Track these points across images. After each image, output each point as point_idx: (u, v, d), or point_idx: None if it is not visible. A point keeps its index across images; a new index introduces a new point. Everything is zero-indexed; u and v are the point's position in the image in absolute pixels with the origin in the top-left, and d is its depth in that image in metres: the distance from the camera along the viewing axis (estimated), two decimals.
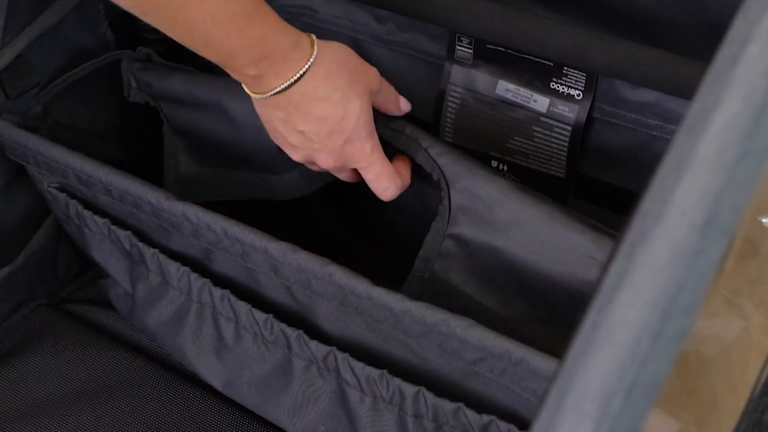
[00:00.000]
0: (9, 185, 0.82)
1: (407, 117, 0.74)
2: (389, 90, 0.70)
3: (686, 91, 0.66)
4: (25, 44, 0.78)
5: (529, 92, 0.83)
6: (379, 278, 0.67)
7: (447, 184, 0.66)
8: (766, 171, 0.30)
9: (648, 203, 0.29)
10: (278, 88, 0.62)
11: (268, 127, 0.68)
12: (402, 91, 0.80)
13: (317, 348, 0.66)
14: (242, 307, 0.70)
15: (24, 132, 0.76)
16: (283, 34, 0.60)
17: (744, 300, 0.61)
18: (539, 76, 0.81)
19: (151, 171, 0.87)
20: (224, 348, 0.74)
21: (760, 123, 0.29)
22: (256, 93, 0.64)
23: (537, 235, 0.63)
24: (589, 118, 0.81)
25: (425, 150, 0.68)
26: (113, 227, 0.76)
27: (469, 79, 0.85)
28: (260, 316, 0.69)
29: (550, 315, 0.66)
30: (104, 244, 0.79)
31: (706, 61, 0.65)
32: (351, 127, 0.65)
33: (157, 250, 0.74)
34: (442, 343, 0.59)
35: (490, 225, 0.65)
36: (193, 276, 0.72)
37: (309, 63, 0.62)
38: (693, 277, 0.29)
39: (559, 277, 0.63)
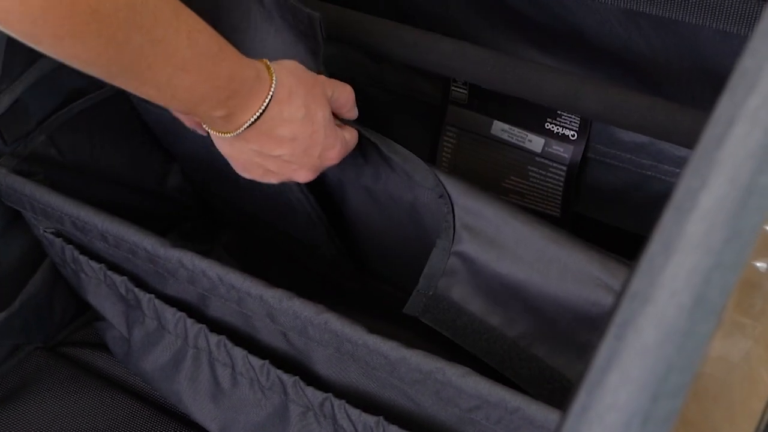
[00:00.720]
0: (5, 230, 0.82)
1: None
2: (343, 91, 0.69)
3: (679, 137, 0.66)
4: (22, 90, 0.78)
5: (524, 132, 0.84)
6: (375, 306, 0.67)
7: (451, 201, 0.66)
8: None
9: (636, 283, 0.29)
10: (248, 123, 0.61)
11: (237, 163, 0.67)
12: (397, 130, 0.81)
13: (313, 394, 0.66)
14: (238, 353, 0.70)
15: (20, 178, 0.77)
16: (247, 68, 0.60)
17: (745, 332, 0.61)
18: (534, 117, 0.82)
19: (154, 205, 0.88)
20: (220, 393, 0.73)
21: (746, 204, 0.29)
22: (224, 132, 0.63)
23: (543, 254, 0.63)
24: (584, 157, 0.81)
25: (429, 169, 0.68)
26: (109, 273, 0.76)
27: (464, 119, 0.86)
28: (256, 362, 0.69)
29: (553, 334, 0.66)
30: (100, 289, 0.79)
31: (698, 108, 0.66)
32: (321, 137, 0.65)
33: (153, 296, 0.74)
34: (438, 391, 0.59)
35: (496, 243, 0.65)
36: (189, 321, 0.72)
37: (272, 90, 0.61)
38: (682, 359, 0.29)
39: (565, 296, 0.63)
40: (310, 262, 0.93)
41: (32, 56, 0.79)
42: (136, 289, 0.74)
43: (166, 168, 0.97)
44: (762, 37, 0.31)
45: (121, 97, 0.86)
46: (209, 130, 0.63)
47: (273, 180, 0.68)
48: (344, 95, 0.69)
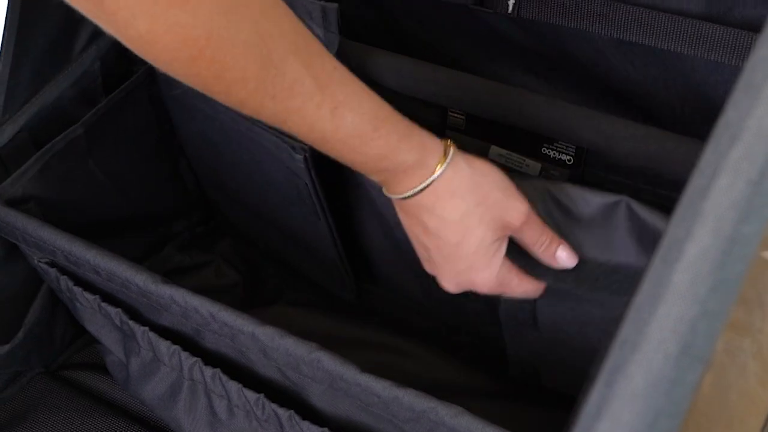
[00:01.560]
0: (5, 259, 0.82)
1: None
2: (538, 231, 0.64)
3: (673, 166, 0.67)
4: (24, 120, 0.79)
5: (521, 158, 0.84)
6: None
7: None
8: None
9: (625, 331, 0.30)
10: (400, 196, 0.59)
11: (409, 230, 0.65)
12: None
13: (309, 428, 0.66)
14: (233, 386, 0.70)
15: (12, 211, 0.76)
16: (407, 152, 0.56)
17: (743, 349, 0.61)
18: (530, 143, 0.82)
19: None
20: (218, 422, 0.74)
21: (730, 254, 0.30)
22: (387, 192, 0.61)
23: None
24: (581, 182, 0.82)
25: None
26: (103, 304, 0.76)
27: (461, 145, 0.87)
28: (251, 395, 0.69)
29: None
30: (96, 317, 0.79)
31: (691, 137, 0.67)
32: (468, 253, 0.61)
33: (147, 328, 0.74)
34: (432, 429, 0.60)
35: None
36: (184, 354, 0.73)
37: (430, 179, 0.58)
38: (670, 405, 0.30)
39: None
40: (310, 268, 0.94)
41: (35, 86, 0.80)
42: (131, 322, 0.75)
43: (166, 187, 0.98)
44: (744, 89, 0.32)
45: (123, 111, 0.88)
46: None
47: (426, 267, 0.65)
48: (540, 237, 0.63)
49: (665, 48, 0.68)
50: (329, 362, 0.61)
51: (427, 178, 0.58)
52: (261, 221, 0.94)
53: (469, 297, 0.69)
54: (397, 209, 0.63)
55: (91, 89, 0.86)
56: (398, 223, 0.67)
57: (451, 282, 0.64)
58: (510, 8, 0.73)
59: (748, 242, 0.31)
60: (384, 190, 0.62)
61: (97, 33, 0.83)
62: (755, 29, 0.65)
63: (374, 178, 0.59)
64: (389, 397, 0.59)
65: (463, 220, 0.59)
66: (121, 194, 0.91)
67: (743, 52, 0.65)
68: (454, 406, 0.58)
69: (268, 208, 0.89)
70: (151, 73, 0.88)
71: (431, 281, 0.67)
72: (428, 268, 0.65)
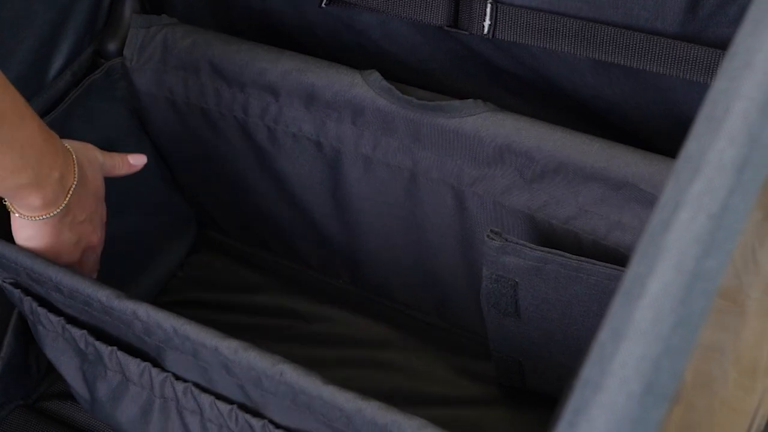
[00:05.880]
0: None
1: None
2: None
3: (644, 184, 0.67)
4: None
5: None
6: None
7: None
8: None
9: (588, 371, 0.30)
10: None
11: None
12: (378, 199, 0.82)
13: None
14: (205, 399, 0.70)
15: None
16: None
17: (724, 355, 0.61)
18: None
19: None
20: None
21: (693, 289, 0.30)
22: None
23: None
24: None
25: None
26: (68, 326, 0.75)
27: None
28: (224, 407, 0.69)
29: None
30: (57, 343, 0.78)
31: (666, 154, 0.67)
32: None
33: (115, 348, 0.73)
34: None
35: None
36: (155, 371, 0.72)
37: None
38: None
39: None
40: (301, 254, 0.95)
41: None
42: (97, 343, 0.74)
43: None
44: (705, 121, 0.32)
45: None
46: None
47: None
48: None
49: (640, 68, 0.68)
50: (292, 374, 0.61)
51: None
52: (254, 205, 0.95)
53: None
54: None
55: None
56: None
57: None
58: (486, 29, 0.73)
59: (711, 277, 0.30)
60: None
61: (71, 58, 0.83)
62: None
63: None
64: (352, 409, 0.58)
65: None
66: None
67: (716, 71, 0.65)
68: (417, 418, 0.57)
69: (269, 202, 0.93)
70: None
71: None
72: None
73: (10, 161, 0.62)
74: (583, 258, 0.68)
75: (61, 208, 0.68)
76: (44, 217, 0.68)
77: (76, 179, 0.69)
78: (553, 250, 0.69)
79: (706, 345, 0.49)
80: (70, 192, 0.69)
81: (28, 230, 0.70)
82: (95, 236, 0.76)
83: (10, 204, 0.68)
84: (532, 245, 0.69)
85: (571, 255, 0.68)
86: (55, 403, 0.89)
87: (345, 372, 0.89)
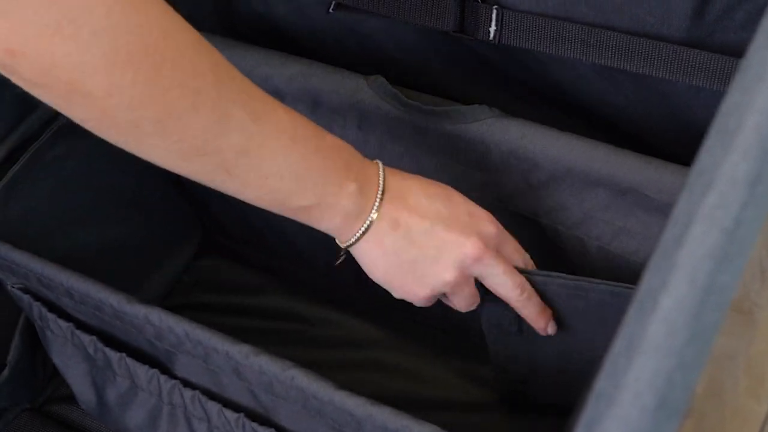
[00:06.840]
0: None
1: None
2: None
3: (654, 192, 0.67)
4: (3, 155, 0.79)
5: None
6: None
7: None
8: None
9: (601, 385, 0.30)
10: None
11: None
12: None
13: None
14: (213, 407, 0.70)
15: None
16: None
17: (736, 362, 0.61)
18: None
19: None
20: None
21: (705, 304, 0.30)
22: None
23: None
24: None
25: None
26: (77, 332, 0.75)
27: None
28: (231, 415, 0.69)
29: None
30: (66, 348, 0.79)
31: (676, 162, 0.67)
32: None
33: (124, 354, 0.74)
34: None
35: None
36: (163, 378, 0.72)
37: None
38: None
39: None
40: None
41: (14, 121, 0.79)
42: (107, 349, 0.74)
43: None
44: (718, 135, 0.32)
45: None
46: None
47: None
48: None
49: (646, 73, 0.68)
50: (303, 379, 0.61)
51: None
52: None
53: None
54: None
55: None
56: None
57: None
58: (491, 35, 0.73)
59: (724, 291, 0.30)
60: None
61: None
62: (737, 54, 0.65)
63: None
64: (363, 414, 0.59)
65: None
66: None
67: (724, 77, 0.65)
68: (428, 424, 0.58)
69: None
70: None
71: None
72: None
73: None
74: (582, 278, 0.67)
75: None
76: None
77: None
78: (552, 273, 0.67)
79: (718, 353, 0.50)
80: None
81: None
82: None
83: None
84: (530, 271, 0.68)
85: (568, 276, 0.67)
86: (61, 407, 0.89)
87: (348, 375, 0.89)
